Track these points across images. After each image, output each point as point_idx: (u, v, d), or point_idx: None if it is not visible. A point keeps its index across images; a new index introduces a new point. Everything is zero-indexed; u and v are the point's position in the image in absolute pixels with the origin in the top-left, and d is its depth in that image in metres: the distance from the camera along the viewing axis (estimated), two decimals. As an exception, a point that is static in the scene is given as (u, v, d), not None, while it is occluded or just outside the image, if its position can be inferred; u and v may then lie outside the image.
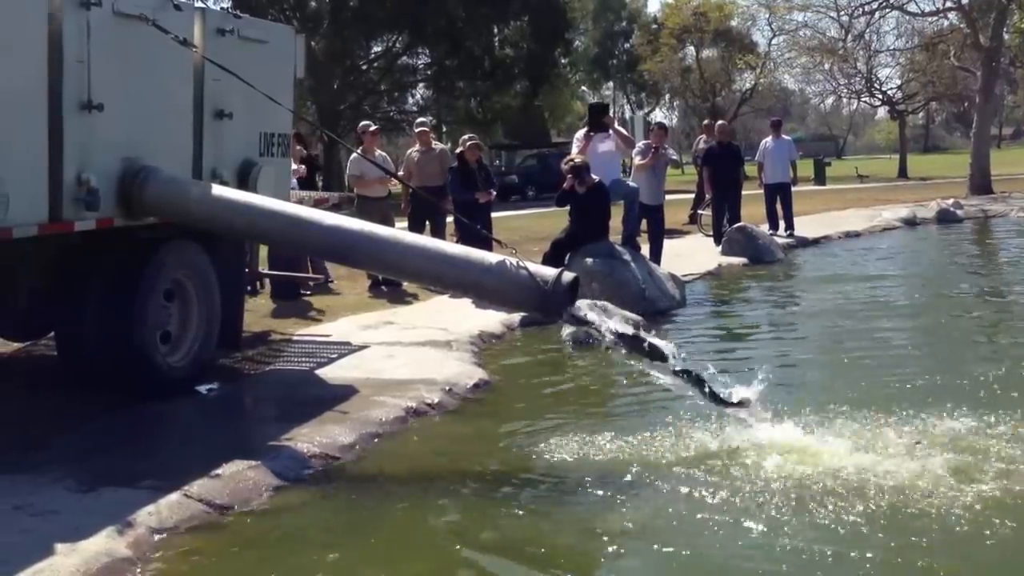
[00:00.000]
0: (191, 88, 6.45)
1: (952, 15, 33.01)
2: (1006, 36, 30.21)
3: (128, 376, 6.04)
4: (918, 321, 9.32)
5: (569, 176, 9.90)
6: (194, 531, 4.22)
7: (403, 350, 7.58)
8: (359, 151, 10.88)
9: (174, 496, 4.40)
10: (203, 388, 6.37)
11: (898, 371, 6.75)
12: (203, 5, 7.10)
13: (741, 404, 5.19)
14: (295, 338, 8.15)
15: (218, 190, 6.02)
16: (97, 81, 5.53)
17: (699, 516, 4.24)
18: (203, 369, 6.58)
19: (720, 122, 18.02)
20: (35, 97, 5.27)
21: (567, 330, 7.46)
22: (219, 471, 4.72)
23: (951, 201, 20.95)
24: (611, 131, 11.32)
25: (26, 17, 5.20)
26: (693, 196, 18.66)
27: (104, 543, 3.95)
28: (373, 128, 11.78)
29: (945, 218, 19.58)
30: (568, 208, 10.15)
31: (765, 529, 4.08)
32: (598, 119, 11.28)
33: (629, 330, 5.30)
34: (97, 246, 5.99)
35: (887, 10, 35.04)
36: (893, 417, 5.38)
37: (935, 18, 35.73)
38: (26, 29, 5.20)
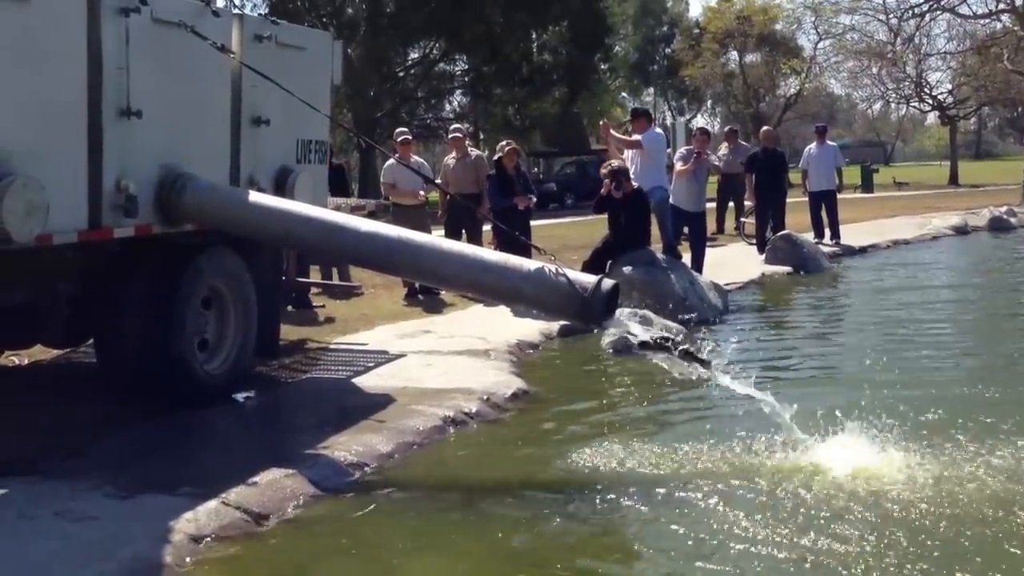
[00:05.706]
0: (229, 95, 6.45)
1: (1005, 17, 32.49)
2: (1060, 39, 29.67)
3: (166, 383, 6.04)
4: (975, 325, 9.10)
5: (607, 181, 9.80)
6: (232, 539, 4.20)
7: (441, 359, 7.52)
8: (396, 157, 10.83)
9: (212, 503, 4.39)
10: (240, 396, 6.36)
11: (955, 388, 6.46)
12: (241, 11, 7.10)
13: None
14: (332, 346, 8.12)
15: (255, 197, 6.01)
16: (136, 88, 5.54)
17: (740, 532, 4.13)
18: (240, 377, 6.56)
19: (765, 128, 17.73)
20: (75, 104, 5.29)
21: (607, 339, 7.41)
22: (256, 479, 4.70)
23: (1004, 208, 20.36)
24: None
25: (66, 25, 5.21)
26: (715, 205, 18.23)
27: (143, 550, 3.96)
28: (401, 138, 11.43)
29: (997, 226, 19.02)
30: (606, 215, 10.06)
31: (810, 550, 3.96)
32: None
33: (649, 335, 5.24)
34: (136, 253, 5.99)
35: (938, 12, 34.70)
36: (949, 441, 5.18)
37: (987, 20, 35.24)
38: (66, 37, 5.21)
